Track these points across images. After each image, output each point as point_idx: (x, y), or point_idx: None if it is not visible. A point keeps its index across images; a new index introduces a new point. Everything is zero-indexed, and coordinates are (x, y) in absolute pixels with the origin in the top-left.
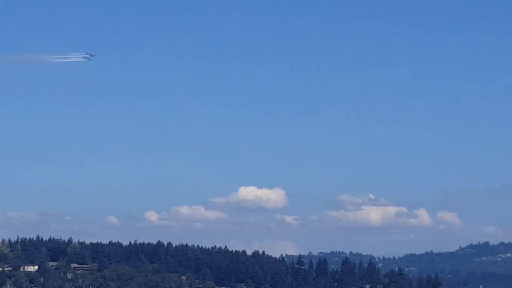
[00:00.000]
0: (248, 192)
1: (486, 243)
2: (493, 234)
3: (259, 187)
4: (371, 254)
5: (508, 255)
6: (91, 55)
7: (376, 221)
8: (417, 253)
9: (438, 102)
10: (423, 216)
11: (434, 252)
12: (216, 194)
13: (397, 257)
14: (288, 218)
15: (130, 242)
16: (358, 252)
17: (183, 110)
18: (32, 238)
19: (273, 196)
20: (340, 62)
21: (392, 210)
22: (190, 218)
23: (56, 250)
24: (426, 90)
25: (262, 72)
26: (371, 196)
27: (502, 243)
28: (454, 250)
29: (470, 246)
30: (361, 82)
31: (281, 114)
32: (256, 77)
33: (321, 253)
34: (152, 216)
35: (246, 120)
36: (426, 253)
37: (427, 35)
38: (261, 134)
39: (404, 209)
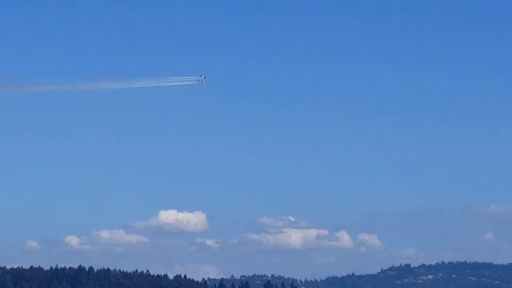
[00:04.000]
0: (168, 216)
1: (407, 265)
2: (413, 256)
3: (180, 210)
4: (293, 277)
5: (429, 277)
6: (204, 78)
7: (297, 244)
8: (339, 275)
9: (353, 127)
10: (344, 238)
11: (356, 274)
12: (136, 218)
13: (319, 280)
14: (209, 242)
15: (51, 266)
16: (280, 275)
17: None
18: None
19: (194, 219)
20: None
21: (313, 232)
22: (111, 242)
23: None
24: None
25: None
26: (292, 219)
27: (423, 265)
28: (376, 273)
29: (392, 269)
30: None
31: (198, 137)
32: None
33: (243, 276)
34: (73, 240)
35: (163, 142)
36: (348, 275)
37: None
38: (180, 156)
39: (325, 232)
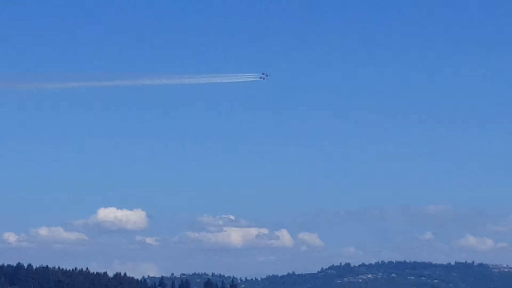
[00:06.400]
0: (107, 214)
1: (347, 264)
2: (353, 255)
3: (119, 208)
4: (233, 276)
5: (369, 276)
6: (266, 75)
7: (238, 243)
8: (279, 274)
9: (292, 126)
10: (284, 237)
11: (296, 273)
12: (75, 215)
13: (259, 279)
14: (149, 240)
15: None
16: (220, 274)
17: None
18: None
19: (133, 217)
20: None
21: (253, 231)
22: (50, 240)
23: None
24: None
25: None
26: (232, 217)
27: (363, 264)
28: (316, 271)
29: (332, 267)
30: None
31: (137, 135)
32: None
33: (184, 274)
34: (11, 237)
35: (100, 140)
36: (288, 274)
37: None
38: (119, 154)
39: (265, 230)
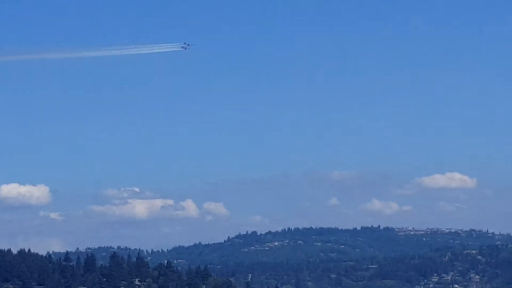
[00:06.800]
0: (10, 190)
1: (254, 233)
2: (260, 223)
3: (22, 183)
4: (139, 248)
5: (276, 243)
6: (188, 45)
7: (143, 215)
8: (186, 245)
9: (198, 97)
10: (190, 207)
11: (203, 243)
12: None
13: (165, 250)
14: (53, 215)
15: None
16: (126, 247)
17: None
18: None
19: (37, 192)
20: None
21: (158, 203)
22: None
23: None
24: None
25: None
26: (136, 189)
27: (270, 232)
28: (223, 241)
29: (238, 236)
30: None
31: (37, 111)
32: None
33: (89, 248)
34: None
35: (10, 115)
36: (195, 244)
37: None
38: (20, 128)
39: (170, 202)
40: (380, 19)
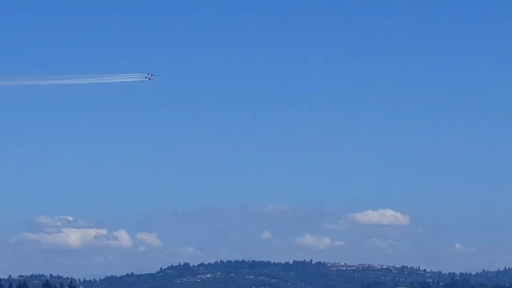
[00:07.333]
0: None
1: (186, 264)
2: (192, 255)
3: None
4: (71, 277)
5: (208, 275)
6: (151, 75)
7: (76, 244)
8: (118, 275)
9: (133, 127)
10: (123, 237)
11: (135, 273)
12: None
13: (98, 279)
14: None
15: None
16: (58, 275)
17: None
18: None
19: None
20: None
21: (91, 232)
22: None
23: None
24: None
25: None
26: (70, 218)
27: (202, 264)
28: (155, 272)
29: (171, 267)
30: None
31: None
32: None
33: (21, 276)
34: None
35: None
36: (127, 275)
37: None
38: None
39: (103, 231)
40: None
